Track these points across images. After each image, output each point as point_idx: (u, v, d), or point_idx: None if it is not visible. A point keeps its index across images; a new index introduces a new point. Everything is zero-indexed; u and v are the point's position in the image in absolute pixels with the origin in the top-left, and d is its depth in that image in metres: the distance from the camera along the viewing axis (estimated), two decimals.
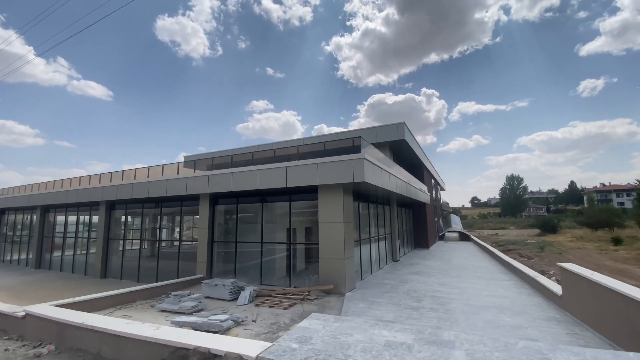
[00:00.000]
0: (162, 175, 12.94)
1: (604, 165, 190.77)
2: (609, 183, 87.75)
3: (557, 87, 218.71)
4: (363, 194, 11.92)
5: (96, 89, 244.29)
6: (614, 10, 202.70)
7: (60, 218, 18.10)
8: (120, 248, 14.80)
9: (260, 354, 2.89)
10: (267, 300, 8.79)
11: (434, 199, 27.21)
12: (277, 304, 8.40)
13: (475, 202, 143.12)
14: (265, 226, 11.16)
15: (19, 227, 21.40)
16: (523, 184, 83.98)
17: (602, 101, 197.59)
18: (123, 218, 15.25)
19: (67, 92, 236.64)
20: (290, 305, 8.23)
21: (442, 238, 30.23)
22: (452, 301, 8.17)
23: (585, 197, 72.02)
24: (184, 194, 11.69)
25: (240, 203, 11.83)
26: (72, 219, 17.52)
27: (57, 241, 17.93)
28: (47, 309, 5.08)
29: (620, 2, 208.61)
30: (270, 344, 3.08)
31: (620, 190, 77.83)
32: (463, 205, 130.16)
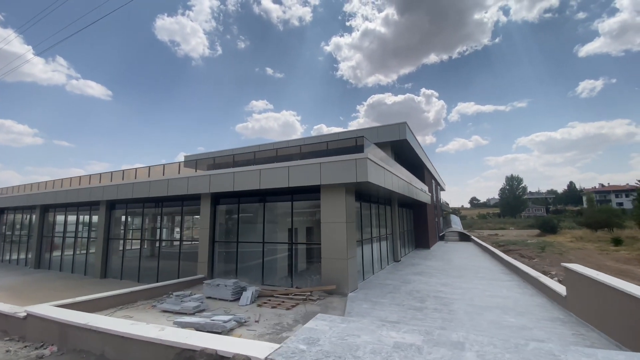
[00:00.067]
0: (163, 174, 12.87)
1: (603, 165, 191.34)
2: (608, 184, 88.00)
3: (556, 87, 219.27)
4: (365, 194, 11.88)
5: (95, 89, 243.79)
6: (613, 11, 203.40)
7: (60, 218, 18.00)
8: (121, 248, 14.73)
9: (269, 355, 2.85)
10: (270, 300, 8.74)
11: (435, 199, 27.20)
12: (279, 304, 8.35)
13: (474, 202, 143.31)
14: (266, 226, 11.11)
15: (18, 226, 21.29)
16: (522, 185, 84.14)
17: (601, 102, 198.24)
18: (123, 218, 15.17)
19: (66, 92, 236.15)
20: (293, 306, 8.19)
21: (442, 238, 30.23)
22: (455, 302, 8.14)
23: (584, 198, 72.19)
24: (185, 193, 11.63)
25: (242, 203, 11.78)
26: (71, 218, 17.44)
27: (56, 241, 17.83)
28: (49, 310, 5.02)
29: (619, 3, 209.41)
30: (278, 345, 3.03)
31: (619, 191, 78.04)
32: (462, 206, 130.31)
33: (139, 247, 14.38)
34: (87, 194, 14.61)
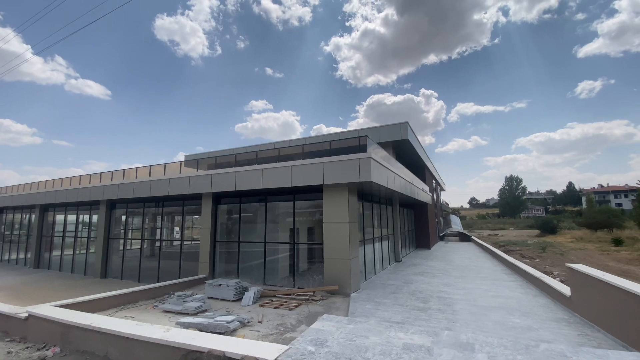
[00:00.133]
0: (164, 174, 12.80)
1: (602, 166, 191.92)
2: (607, 184, 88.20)
3: (555, 88, 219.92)
4: (367, 194, 11.84)
5: (94, 88, 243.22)
6: (612, 12, 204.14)
7: (60, 217, 17.91)
8: (121, 248, 14.65)
9: (277, 357, 2.80)
10: (272, 300, 8.69)
11: (435, 199, 27.19)
12: (282, 304, 8.30)
13: (473, 202, 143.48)
14: (268, 226, 11.05)
15: (17, 226, 21.18)
16: (522, 185, 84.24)
17: (600, 103, 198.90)
18: (124, 217, 15.10)
19: (65, 91, 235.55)
20: (296, 306, 8.14)
21: (442, 239, 30.21)
22: (458, 302, 8.10)
23: (584, 198, 72.30)
24: (187, 193, 11.56)
25: (243, 202, 11.72)
26: (71, 218, 17.35)
27: (55, 241, 17.74)
28: (51, 310, 4.95)
29: (618, 4, 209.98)
30: (286, 346, 2.99)
31: (618, 192, 78.21)
32: (461, 206, 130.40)
33: (139, 247, 14.30)
34: (88, 193, 14.53)
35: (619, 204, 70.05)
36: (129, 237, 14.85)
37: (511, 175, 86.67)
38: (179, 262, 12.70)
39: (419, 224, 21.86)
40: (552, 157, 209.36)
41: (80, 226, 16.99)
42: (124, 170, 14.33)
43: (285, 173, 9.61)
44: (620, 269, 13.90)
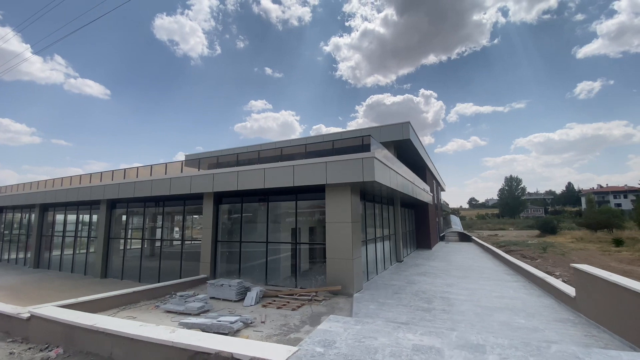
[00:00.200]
0: (165, 173, 12.74)
1: (601, 167, 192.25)
2: (607, 184, 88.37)
3: (554, 89, 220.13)
4: (368, 194, 11.79)
5: (93, 88, 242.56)
6: (611, 13, 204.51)
7: (60, 217, 17.83)
8: (121, 247, 14.58)
9: (287, 359, 2.75)
10: (274, 301, 8.63)
11: (436, 199, 27.16)
12: (284, 305, 8.25)
13: (473, 203, 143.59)
14: (270, 226, 11.00)
15: (16, 226, 21.08)
16: (522, 185, 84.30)
17: (599, 103, 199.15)
18: (124, 217, 15.03)
19: (64, 91, 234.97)
20: (299, 307, 8.09)
21: (442, 239, 30.19)
22: (462, 302, 8.06)
23: (584, 199, 72.37)
24: (188, 192, 11.50)
25: (245, 202, 11.67)
26: (71, 217, 17.27)
27: (54, 240, 17.65)
28: (54, 311, 4.89)
29: (618, 5, 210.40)
30: (295, 348, 2.94)
31: (617, 192, 78.32)
32: (461, 206, 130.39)
33: (139, 246, 14.23)
34: (88, 192, 14.46)
35: (618, 205, 70.17)
36: (130, 236, 14.78)
37: (511, 176, 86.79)
38: (180, 262, 12.63)
39: (419, 224, 21.83)
40: (551, 158, 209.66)
41: (80, 226, 16.91)
42: (124, 169, 14.27)
43: (287, 173, 9.56)
44: (622, 269, 13.89)
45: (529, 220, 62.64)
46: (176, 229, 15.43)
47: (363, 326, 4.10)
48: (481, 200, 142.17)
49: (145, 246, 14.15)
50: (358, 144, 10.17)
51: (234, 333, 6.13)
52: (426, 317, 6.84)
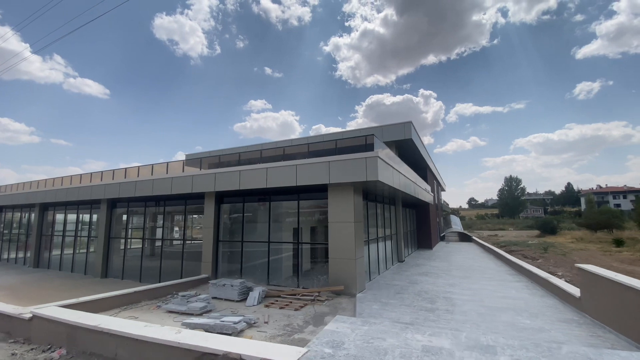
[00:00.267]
0: (167, 173, 12.68)
1: (600, 167, 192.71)
2: (606, 185, 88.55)
3: (553, 89, 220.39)
4: (370, 193, 11.75)
5: (93, 87, 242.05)
6: (610, 14, 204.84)
7: (60, 216, 17.75)
8: (122, 247, 14.51)
9: None
10: (277, 301, 8.59)
11: (436, 199, 27.15)
12: (287, 305, 8.20)
13: (472, 203, 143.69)
14: (272, 225, 10.96)
15: (15, 225, 20.99)
16: (521, 186, 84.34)
17: (598, 104, 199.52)
18: (125, 216, 14.96)
19: (64, 90, 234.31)
20: (301, 307, 8.04)
21: (442, 239, 30.18)
22: (465, 303, 8.02)
23: (584, 199, 72.39)
24: (190, 192, 11.44)
25: (247, 202, 11.62)
26: (71, 217, 17.20)
27: (54, 240, 17.57)
28: (56, 311, 4.84)
29: (617, 6, 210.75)
30: (304, 349, 2.89)
31: (616, 192, 78.45)
32: (460, 206, 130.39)
33: (140, 246, 14.17)
34: (89, 192, 14.38)
35: (618, 205, 70.26)
36: (130, 236, 14.71)
37: (510, 176, 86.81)
38: (181, 262, 12.58)
39: (420, 224, 21.81)
40: (550, 158, 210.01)
41: (80, 225, 16.83)
42: (125, 169, 14.20)
43: (290, 172, 9.51)
44: (624, 270, 13.87)
45: (528, 221, 62.68)
46: (176, 228, 15.39)
47: (370, 327, 4.06)
48: (480, 200, 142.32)
49: (146, 246, 14.09)
50: (359, 143, 10.13)
51: (238, 333, 6.08)
52: (430, 318, 6.80)
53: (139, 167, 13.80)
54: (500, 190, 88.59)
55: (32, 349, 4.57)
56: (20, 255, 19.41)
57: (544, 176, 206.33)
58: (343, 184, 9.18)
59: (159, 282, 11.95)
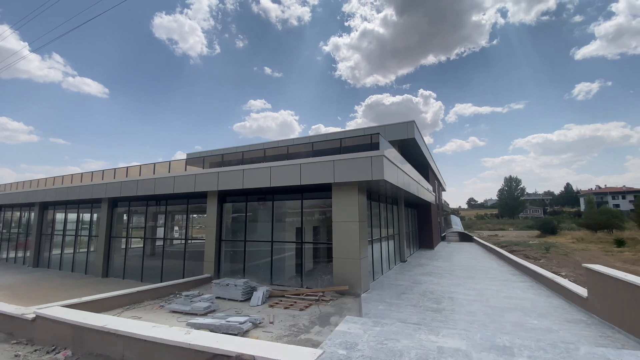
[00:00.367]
0: (169, 172, 12.59)
1: (599, 167, 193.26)
2: (605, 185, 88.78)
3: (552, 90, 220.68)
4: (374, 193, 11.69)
5: (92, 86, 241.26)
6: (609, 15, 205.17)
7: (60, 215, 17.64)
8: (123, 246, 14.41)
9: None
10: (281, 301, 8.52)
11: (437, 199, 27.12)
12: (291, 305, 8.13)
13: (472, 203, 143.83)
14: (275, 225, 10.88)
15: (14, 224, 20.85)
16: (521, 186, 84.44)
17: (597, 104, 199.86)
18: (126, 216, 14.86)
19: (62, 89, 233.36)
20: (306, 307, 7.97)
21: (443, 239, 30.15)
22: (471, 303, 7.96)
23: (584, 199, 72.51)
24: (192, 191, 11.35)
25: (250, 201, 11.54)
26: (72, 216, 17.08)
27: (54, 239, 17.46)
28: (60, 311, 4.75)
29: (615, 7, 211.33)
30: (320, 350, 2.82)
31: (616, 193, 78.65)
32: (460, 207, 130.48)
33: (141, 245, 14.08)
34: (89, 191, 14.28)
35: (617, 205, 70.42)
36: (132, 235, 14.61)
37: (510, 176, 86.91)
38: (183, 262, 12.49)
39: (422, 223, 21.77)
40: (549, 159, 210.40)
41: (80, 225, 16.72)
42: (126, 167, 14.10)
43: (294, 171, 9.44)
44: (627, 270, 13.85)
45: (528, 221, 62.76)
46: (176, 228, 15.31)
47: (382, 328, 3.98)
48: (480, 200, 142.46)
49: (148, 245, 14.00)
50: (363, 142, 10.08)
51: (244, 334, 6.01)
52: (437, 318, 6.74)
53: (140, 166, 13.71)
54: (500, 191, 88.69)
55: (35, 350, 4.48)
56: (20, 254, 19.28)
57: (543, 176, 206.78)
58: (348, 183, 9.12)
59: (161, 281, 11.87)
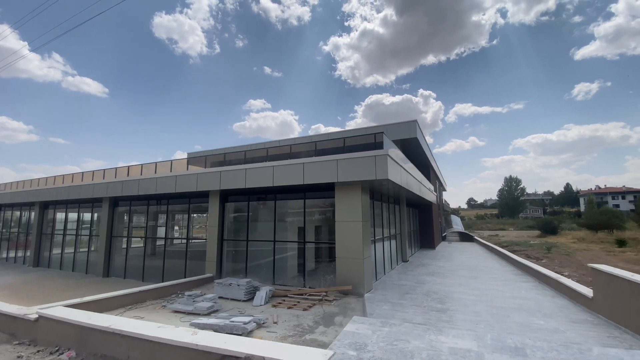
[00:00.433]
0: (170, 171, 12.53)
1: (598, 168, 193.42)
2: (605, 185, 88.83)
3: (552, 90, 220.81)
4: (376, 192, 11.64)
5: (91, 86, 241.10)
6: (609, 16, 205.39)
7: (60, 215, 17.57)
8: (124, 246, 14.34)
9: None
10: (284, 301, 8.46)
11: (438, 199, 27.08)
12: (295, 304, 8.08)
13: (471, 203, 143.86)
14: (277, 224, 10.83)
15: (13, 224, 20.77)
16: (521, 186, 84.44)
17: (597, 105, 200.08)
18: (127, 215, 14.80)
19: (62, 88, 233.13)
20: (310, 307, 7.92)
21: (444, 239, 30.12)
22: (476, 303, 7.92)
23: (583, 199, 72.69)
24: (194, 190, 11.29)
25: (252, 200, 11.48)
26: (72, 215, 17.01)
27: (54, 238, 17.39)
28: (64, 311, 4.69)
29: (615, 7, 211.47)
30: (331, 352, 2.77)
31: (615, 193, 78.70)
32: (459, 207, 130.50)
33: (142, 245, 14.02)
34: (90, 190, 14.21)
35: (617, 205, 70.47)
36: (133, 235, 14.55)
37: (510, 176, 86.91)
38: (185, 261, 12.43)
39: (423, 223, 21.72)
40: (548, 159, 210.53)
41: (81, 224, 16.65)
42: (128, 167, 14.03)
43: (297, 170, 9.38)
44: (630, 269, 13.81)
45: (528, 221, 62.75)
46: (176, 227, 15.25)
47: (391, 328, 3.94)
48: (480, 200, 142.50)
49: (149, 245, 13.94)
50: (365, 142, 10.02)
51: (248, 334, 5.96)
52: (442, 318, 6.69)
53: (141, 165, 13.64)
54: (500, 191, 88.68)
55: (38, 351, 4.43)
56: (20, 254, 19.20)
57: (542, 176, 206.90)
58: (351, 183, 9.06)
59: (162, 281, 11.82)
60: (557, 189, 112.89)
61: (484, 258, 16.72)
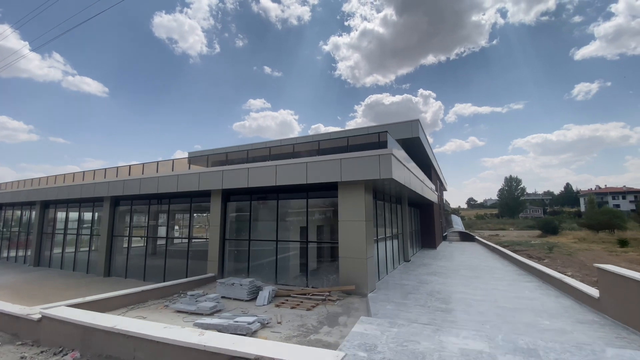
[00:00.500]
0: (172, 170, 12.47)
1: (598, 168, 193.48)
2: (605, 185, 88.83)
3: (552, 90, 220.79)
4: (379, 192, 11.59)
5: (92, 85, 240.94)
6: (609, 16, 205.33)
7: (61, 214, 17.51)
8: (125, 245, 14.29)
9: None
10: (287, 300, 8.42)
11: (439, 199, 27.03)
12: (298, 304, 8.03)
13: (471, 203, 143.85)
14: (280, 224, 10.78)
15: (15, 223, 20.71)
16: (521, 186, 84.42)
17: (596, 105, 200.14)
18: (128, 215, 14.74)
19: (62, 88, 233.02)
20: (313, 306, 7.88)
21: (444, 238, 30.08)
22: (480, 303, 7.88)
23: (584, 199, 72.64)
24: (196, 189, 11.23)
25: (254, 200, 11.43)
26: (73, 215, 16.96)
27: (55, 238, 17.33)
28: (67, 311, 4.64)
29: (615, 7, 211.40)
30: (342, 353, 2.72)
31: (616, 193, 78.69)
32: (459, 206, 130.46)
33: (143, 244, 13.96)
34: (91, 189, 14.15)
35: (617, 205, 70.45)
36: (134, 234, 14.50)
37: (510, 176, 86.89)
38: (186, 261, 12.38)
39: (425, 223, 21.68)
40: (548, 159, 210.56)
41: (81, 223, 16.60)
42: (129, 166, 13.97)
43: (300, 170, 9.33)
44: (635, 270, 13.79)
45: (528, 221, 62.74)
46: (176, 227, 15.19)
47: (400, 329, 3.89)
48: (479, 200, 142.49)
49: (150, 244, 13.88)
50: (367, 141, 9.97)
51: (252, 334, 5.91)
52: (447, 318, 6.64)
53: (143, 164, 13.58)
54: (500, 191, 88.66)
55: (42, 352, 4.37)
56: (21, 253, 19.14)
57: (542, 176, 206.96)
58: (354, 182, 9.01)
59: (164, 281, 11.77)
60: (557, 189, 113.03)
61: (486, 258, 16.67)
